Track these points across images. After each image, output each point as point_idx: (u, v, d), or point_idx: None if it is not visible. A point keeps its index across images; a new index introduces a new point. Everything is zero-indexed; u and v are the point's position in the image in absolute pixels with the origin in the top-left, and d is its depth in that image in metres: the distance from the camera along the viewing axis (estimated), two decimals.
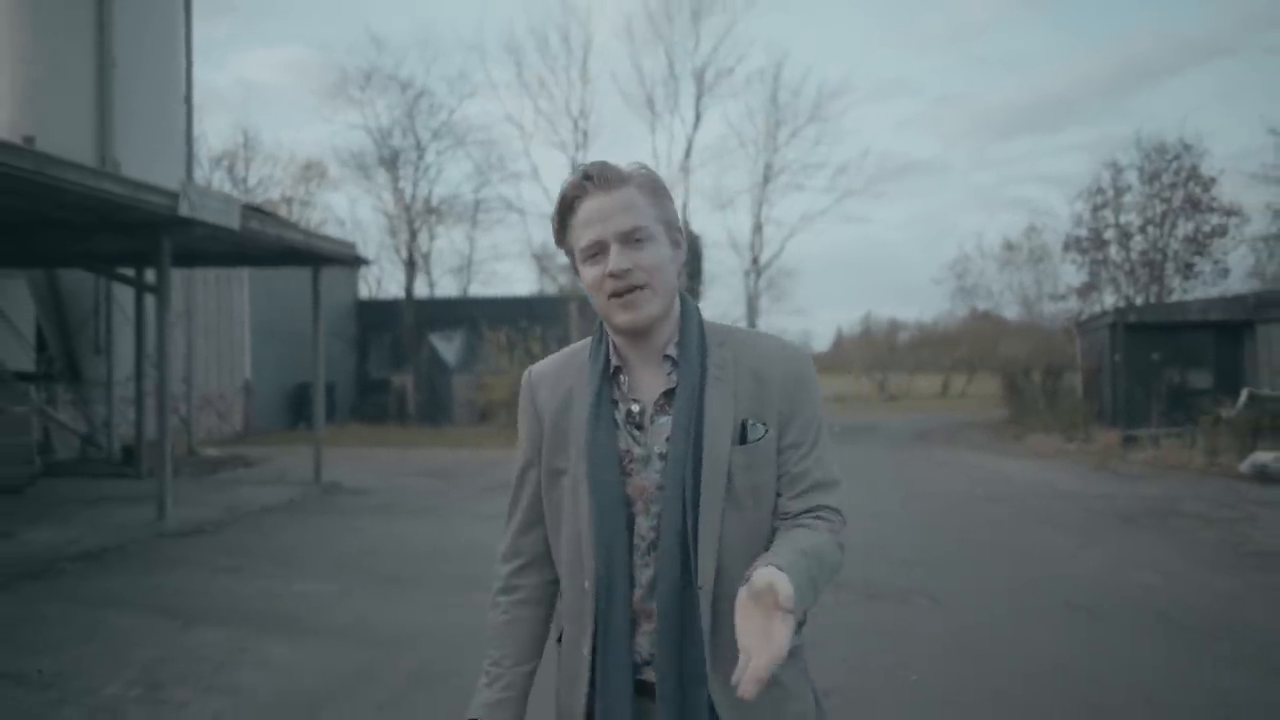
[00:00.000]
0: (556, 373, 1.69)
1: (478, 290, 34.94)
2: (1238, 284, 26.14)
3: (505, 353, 23.45)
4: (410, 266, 29.45)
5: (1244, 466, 13.73)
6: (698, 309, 1.67)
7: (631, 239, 1.55)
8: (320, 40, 69.39)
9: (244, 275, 21.09)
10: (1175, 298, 25.37)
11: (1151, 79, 70.38)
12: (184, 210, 8.46)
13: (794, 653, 1.61)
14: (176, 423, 14.71)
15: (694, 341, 1.61)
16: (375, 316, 28.60)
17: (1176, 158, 25.82)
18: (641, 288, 1.55)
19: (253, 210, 10.15)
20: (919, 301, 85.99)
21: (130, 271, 12.31)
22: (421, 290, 30.81)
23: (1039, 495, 12.18)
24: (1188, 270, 26.58)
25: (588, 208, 1.57)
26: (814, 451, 1.63)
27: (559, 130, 35.59)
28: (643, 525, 1.58)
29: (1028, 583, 7.07)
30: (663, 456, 1.57)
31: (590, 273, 1.58)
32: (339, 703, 4.50)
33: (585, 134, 31.05)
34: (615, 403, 1.62)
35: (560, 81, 34.94)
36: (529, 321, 24.51)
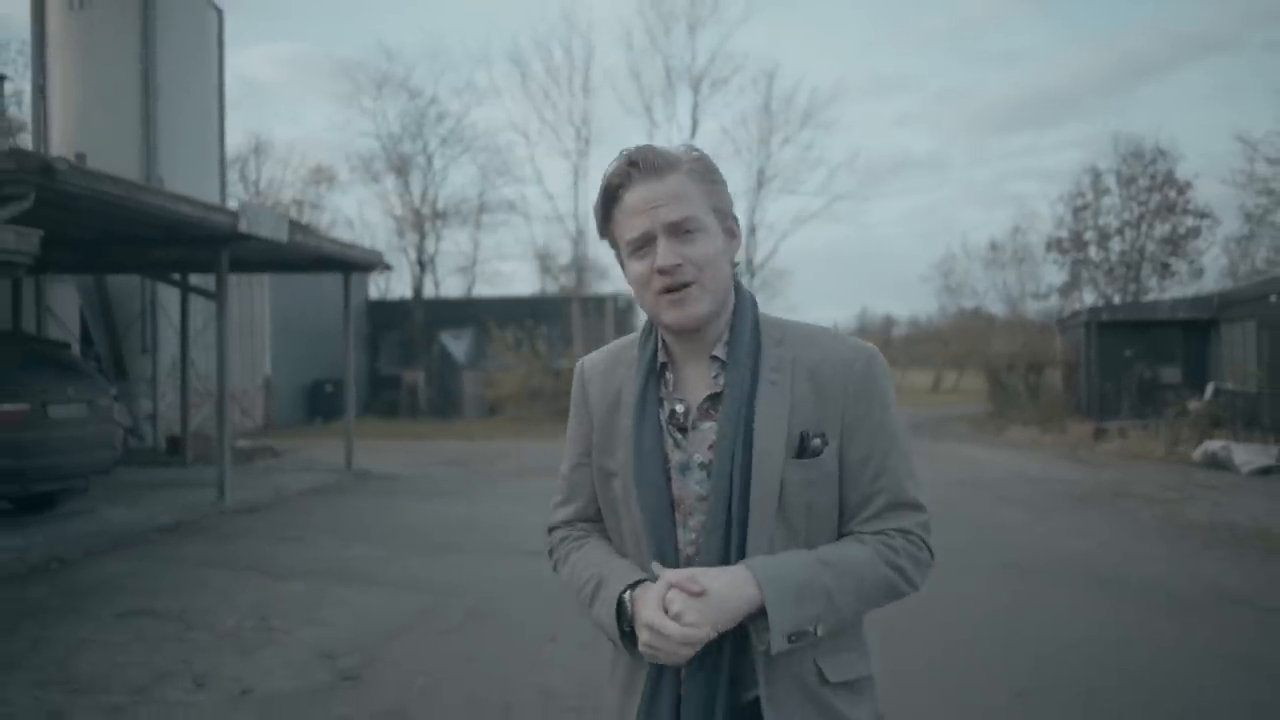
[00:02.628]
0: (607, 368, 1.61)
1: (482, 289, 36.14)
2: (1212, 283, 27.39)
3: (512, 351, 24.70)
4: (420, 268, 30.62)
5: (1196, 454, 14.95)
6: (754, 302, 1.55)
7: (681, 230, 1.44)
8: (316, 36, 70.49)
9: (265, 278, 22.22)
10: (1152, 297, 26.58)
11: (1150, 75, 71.41)
12: (243, 227, 9.63)
13: (856, 686, 1.52)
14: (213, 416, 15.86)
15: (745, 341, 1.49)
16: (385, 316, 29.75)
17: (1152, 162, 27.04)
18: (691, 284, 1.44)
19: (297, 225, 11.31)
20: (915, 298, 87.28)
21: (176, 277, 13.45)
22: (427, 289, 31.99)
23: (1008, 480, 13.37)
24: (1164, 270, 27.79)
25: (634, 197, 1.46)
26: (886, 467, 1.48)
27: (562, 138, 36.78)
28: (680, 537, 1.48)
29: (978, 547, 8.26)
30: (703, 466, 1.47)
31: (637, 267, 1.47)
32: (410, 631, 5.68)
33: (587, 141, 32.22)
34: (661, 401, 1.52)
35: (563, 92, 36.05)
36: (533, 320, 25.71)
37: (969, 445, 19.91)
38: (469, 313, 28.88)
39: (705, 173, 1.49)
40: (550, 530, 1.69)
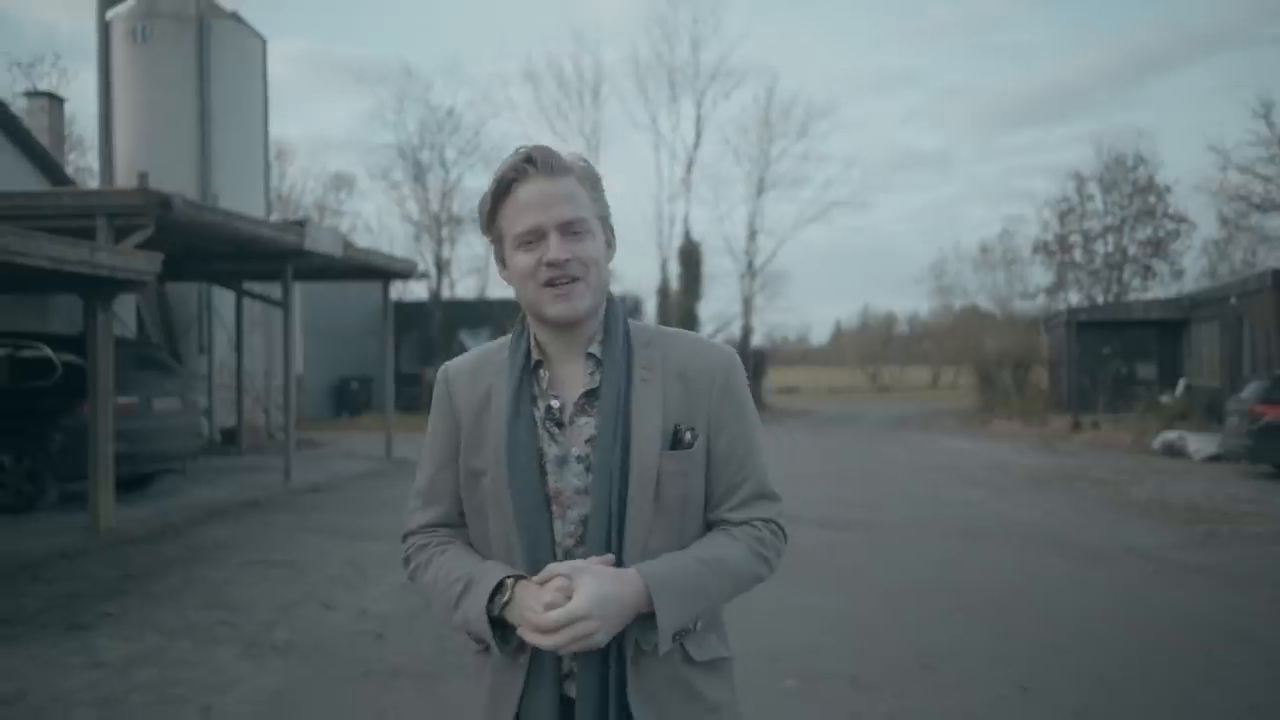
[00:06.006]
0: (473, 370, 1.64)
1: (494, 290, 37.67)
2: (1193, 284, 28.83)
3: None
4: (438, 270, 32.22)
5: (1156, 443, 16.41)
6: (623, 308, 1.63)
7: (571, 230, 1.50)
8: (313, 33, 72.14)
9: (296, 285, 23.77)
10: (1134, 297, 28.04)
11: (1159, 70, 72.79)
12: (308, 245, 11.14)
13: (716, 666, 1.58)
14: (256, 409, 17.40)
15: (619, 340, 1.56)
16: (404, 316, 31.19)
17: (1133, 169, 28.49)
18: (578, 280, 1.50)
19: (349, 242, 12.84)
20: (918, 295, 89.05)
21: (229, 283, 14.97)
22: (443, 291, 33.52)
23: (981, 466, 14.85)
24: (1146, 272, 29.24)
25: (528, 192, 1.50)
26: (749, 461, 1.58)
27: (571, 148, 38.18)
28: (559, 530, 1.52)
29: (940, 519, 9.74)
30: (581, 459, 1.52)
31: (523, 260, 1.51)
32: None
33: (596, 150, 33.71)
34: (534, 399, 1.56)
35: (574, 106, 37.49)
36: None
37: (954, 437, 21.39)
38: (485, 313, 30.38)
39: (593, 181, 1.56)
40: (406, 536, 1.67)
